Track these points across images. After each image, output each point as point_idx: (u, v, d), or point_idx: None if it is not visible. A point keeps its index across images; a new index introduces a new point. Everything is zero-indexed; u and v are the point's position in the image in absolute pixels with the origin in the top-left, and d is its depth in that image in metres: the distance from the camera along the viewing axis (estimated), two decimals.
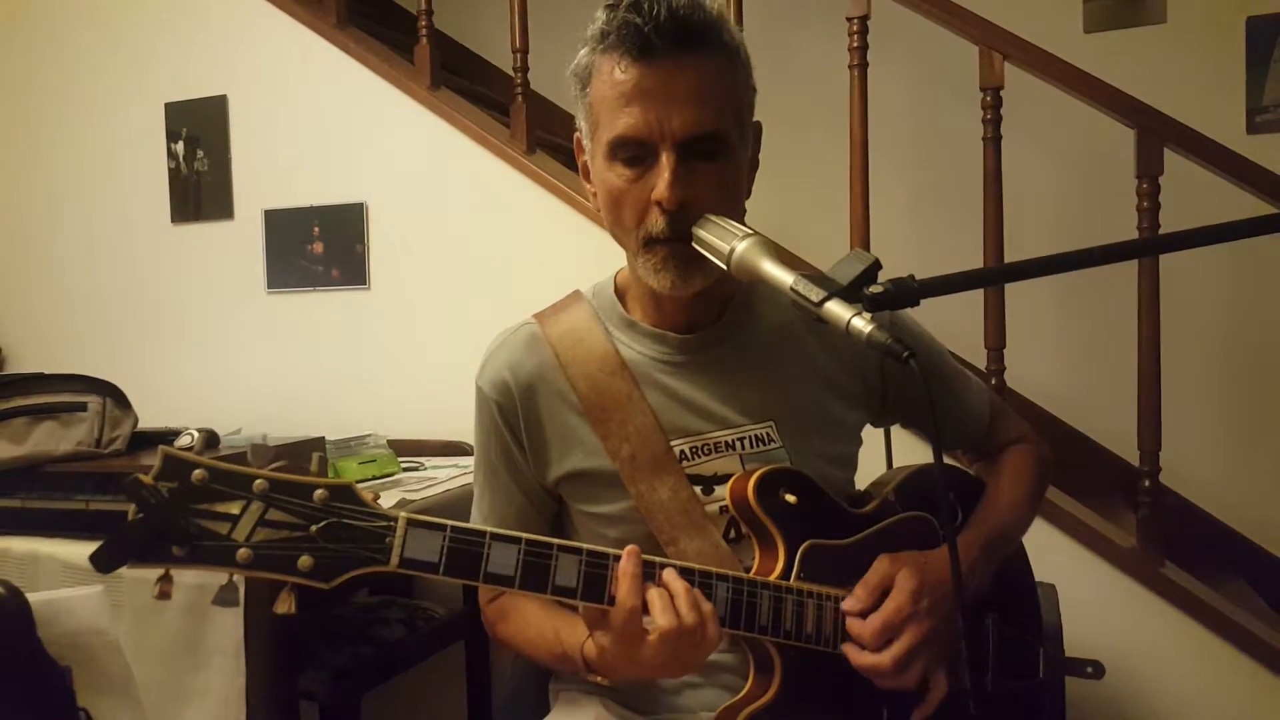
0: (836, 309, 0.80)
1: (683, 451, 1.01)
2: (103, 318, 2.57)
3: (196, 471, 0.72)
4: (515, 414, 1.03)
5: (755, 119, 1.00)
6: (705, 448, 1.02)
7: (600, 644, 0.86)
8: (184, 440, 1.57)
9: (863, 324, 0.77)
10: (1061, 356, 2.45)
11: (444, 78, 2.31)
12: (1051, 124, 2.39)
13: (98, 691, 1.13)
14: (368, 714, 1.84)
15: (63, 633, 1.09)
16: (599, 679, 0.92)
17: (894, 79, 2.48)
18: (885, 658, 0.91)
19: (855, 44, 1.93)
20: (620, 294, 1.07)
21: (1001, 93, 1.88)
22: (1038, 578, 1.56)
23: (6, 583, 1.12)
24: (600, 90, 0.93)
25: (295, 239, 2.36)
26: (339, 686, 1.67)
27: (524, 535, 0.84)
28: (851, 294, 0.80)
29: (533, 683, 1.18)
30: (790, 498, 0.98)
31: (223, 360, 2.44)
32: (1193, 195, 1.87)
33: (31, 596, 1.08)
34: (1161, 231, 1.78)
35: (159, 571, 0.74)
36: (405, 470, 1.93)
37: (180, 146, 2.49)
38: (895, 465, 1.26)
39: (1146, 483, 1.79)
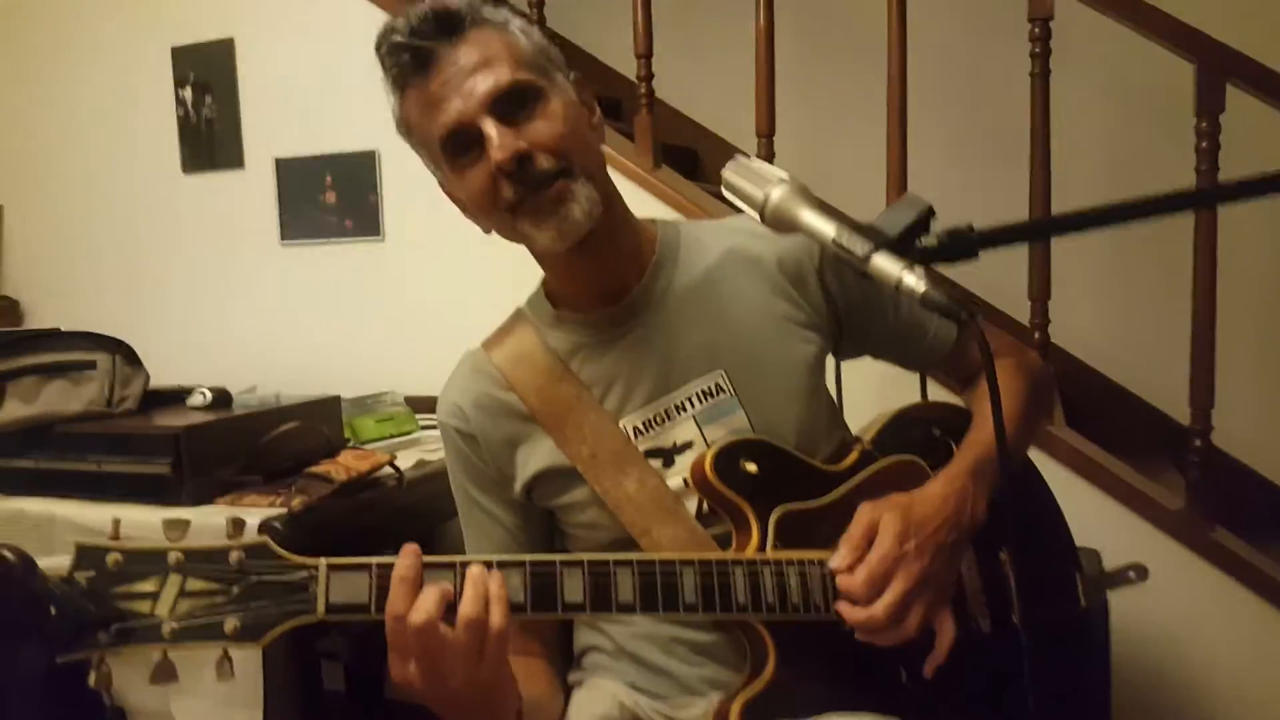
0: (884, 264, 0.72)
1: (636, 428, 0.99)
2: (115, 270, 2.53)
3: (110, 555, 0.74)
4: (474, 436, 1.03)
5: (574, 75, 1.00)
6: (658, 418, 1.00)
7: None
8: (196, 399, 1.53)
9: (915, 281, 0.70)
10: (1108, 307, 2.34)
11: None
12: (1103, 58, 2.25)
13: (116, 656, 1.12)
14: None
15: None
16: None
17: (934, 10, 2.34)
18: (877, 609, 0.85)
19: None
20: (549, 293, 1.07)
21: (1051, 24, 1.76)
22: (1079, 541, 1.50)
23: (17, 550, 1.10)
24: (411, 114, 0.96)
25: (307, 189, 2.29)
26: (362, 648, 1.66)
27: (459, 558, 0.80)
28: (902, 246, 0.72)
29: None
30: (751, 467, 0.95)
31: (237, 314, 2.40)
32: (1257, 136, 1.74)
33: (43, 562, 1.06)
34: (1222, 176, 1.67)
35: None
36: (423, 428, 1.89)
37: (188, 93, 2.41)
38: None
39: (1197, 442, 1.71)
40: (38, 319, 2.62)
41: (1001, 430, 0.68)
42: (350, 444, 1.57)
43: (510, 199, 0.92)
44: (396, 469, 1.47)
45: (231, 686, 1.27)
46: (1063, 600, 1.08)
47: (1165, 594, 1.68)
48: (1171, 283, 1.84)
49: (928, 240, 0.73)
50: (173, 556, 0.74)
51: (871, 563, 0.86)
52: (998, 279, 2.23)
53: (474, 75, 0.91)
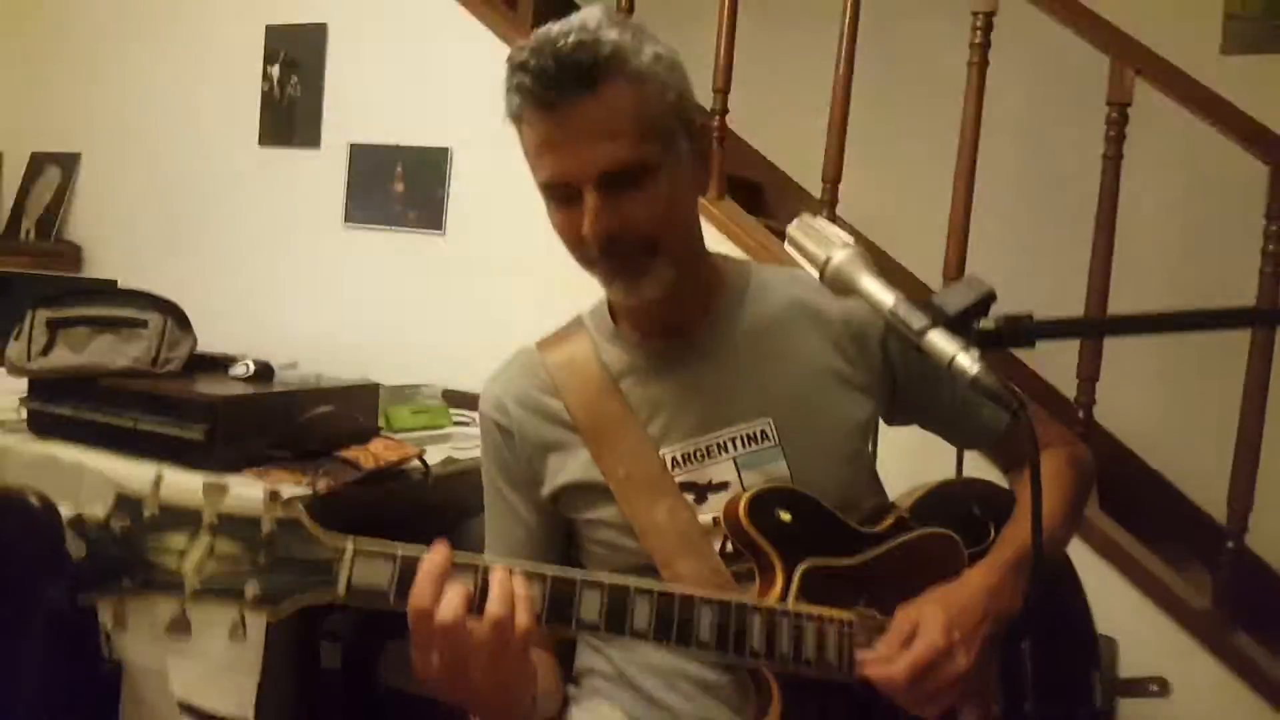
0: (940, 341, 0.72)
1: (674, 459, 0.99)
2: (179, 231, 2.59)
3: (148, 509, 0.75)
4: (511, 432, 1.04)
5: (697, 124, 0.98)
6: (698, 454, 0.99)
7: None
8: (239, 369, 1.56)
9: (968, 363, 0.70)
10: (1155, 393, 2.29)
11: None
12: (1175, 149, 2.21)
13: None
14: (389, 662, 1.84)
15: None
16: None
17: (1014, 79, 2.32)
18: (925, 708, 0.86)
19: (978, 39, 1.82)
20: (612, 307, 1.07)
21: (1129, 109, 1.74)
22: (1100, 628, 1.48)
23: (42, 495, 1.13)
24: (524, 136, 0.94)
25: (378, 175, 2.33)
26: (362, 631, 1.67)
27: (483, 560, 0.80)
28: (958, 326, 0.72)
29: None
30: (785, 516, 0.94)
31: (292, 288, 2.44)
32: None
33: (65, 509, 1.09)
34: None
35: None
36: (456, 424, 1.91)
37: (276, 70, 2.47)
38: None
39: (1230, 544, 1.67)
40: (96, 268, 2.69)
41: (1039, 536, 0.67)
42: (382, 432, 1.59)
43: (592, 257, 0.93)
44: (424, 463, 1.48)
45: (230, 653, 1.30)
46: (1077, 698, 1.06)
47: (1181, 693, 1.64)
48: (1222, 376, 1.80)
49: (985, 323, 0.72)
50: (207, 517, 0.75)
51: (916, 651, 0.86)
52: (1047, 351, 2.20)
53: (594, 142, 0.88)
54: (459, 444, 1.74)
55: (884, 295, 0.77)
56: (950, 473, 1.49)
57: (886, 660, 0.87)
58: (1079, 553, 1.69)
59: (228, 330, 1.98)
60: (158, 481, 0.76)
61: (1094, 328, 0.74)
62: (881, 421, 1.12)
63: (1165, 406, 2.30)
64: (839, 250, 0.81)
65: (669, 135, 0.93)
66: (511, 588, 0.78)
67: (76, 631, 1.14)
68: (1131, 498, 2.21)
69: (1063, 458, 1.08)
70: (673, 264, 0.94)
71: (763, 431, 0.99)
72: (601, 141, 0.88)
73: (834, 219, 1.96)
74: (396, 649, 1.86)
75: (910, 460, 1.25)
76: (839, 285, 0.81)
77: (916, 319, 0.73)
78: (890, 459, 1.39)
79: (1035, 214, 2.40)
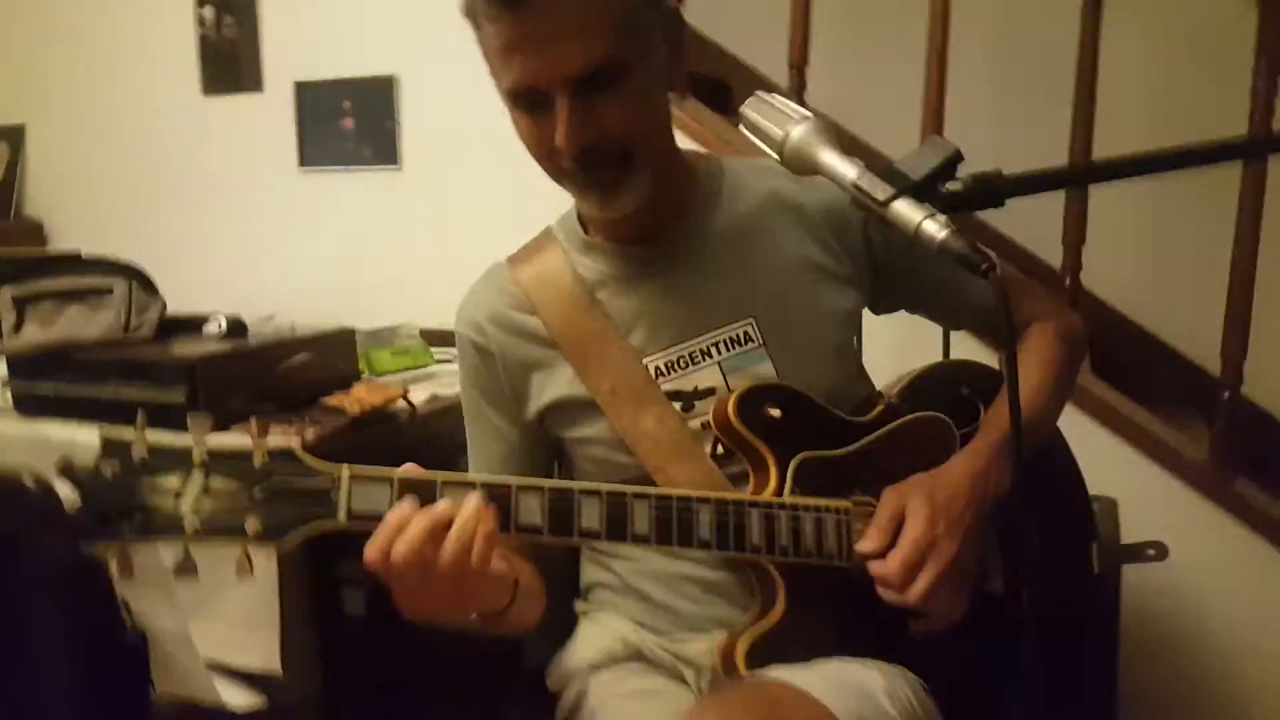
0: (905, 210, 0.69)
1: (658, 368, 0.98)
2: (137, 192, 2.52)
3: (136, 449, 0.74)
4: (491, 352, 1.02)
5: (671, 6, 0.93)
6: (682, 360, 0.98)
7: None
8: (211, 327, 1.53)
9: (935, 228, 0.67)
10: (1144, 254, 2.26)
11: None
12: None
13: (135, 582, 1.14)
14: None
15: None
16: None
17: None
18: (911, 597, 0.86)
19: None
20: (583, 217, 1.03)
21: None
22: (1098, 490, 1.48)
23: (37, 476, 1.11)
24: (485, 38, 0.88)
25: (326, 114, 2.25)
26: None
27: (479, 477, 0.80)
28: (925, 191, 0.69)
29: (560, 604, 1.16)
30: (775, 412, 0.94)
31: (255, 239, 2.39)
32: None
33: (63, 488, 1.07)
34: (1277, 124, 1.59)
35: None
36: (439, 362, 1.89)
37: (209, 12, 2.36)
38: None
39: (1225, 394, 1.66)
40: (60, 239, 2.63)
41: (1018, 410, 0.66)
42: (364, 376, 1.57)
43: (564, 168, 0.89)
44: (410, 402, 1.47)
45: (250, 607, 1.31)
46: (1076, 566, 1.08)
47: (1183, 545, 1.65)
48: (1212, 232, 1.76)
49: (953, 185, 0.69)
50: (198, 454, 0.74)
51: (904, 548, 0.86)
52: (1032, 222, 2.17)
53: (564, 42, 0.83)
54: (444, 380, 1.73)
55: (846, 168, 0.74)
56: (936, 356, 1.47)
57: (878, 556, 0.88)
58: (1074, 419, 1.70)
59: (198, 288, 1.94)
60: (142, 423, 0.74)
61: (1067, 178, 0.71)
62: (873, 312, 1.10)
63: (1154, 265, 2.27)
64: (796, 125, 0.78)
65: (644, 29, 0.88)
66: (472, 518, 0.76)
67: (93, 605, 1.14)
68: (1126, 361, 2.21)
69: (1051, 330, 1.07)
70: (649, 173, 0.91)
71: (746, 333, 0.97)
72: (574, 40, 0.83)
73: (802, 105, 1.90)
74: None
75: (896, 352, 1.24)
76: (799, 163, 0.78)
77: (881, 189, 0.70)
78: (876, 351, 1.38)
79: (1014, 81, 2.32)
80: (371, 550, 0.75)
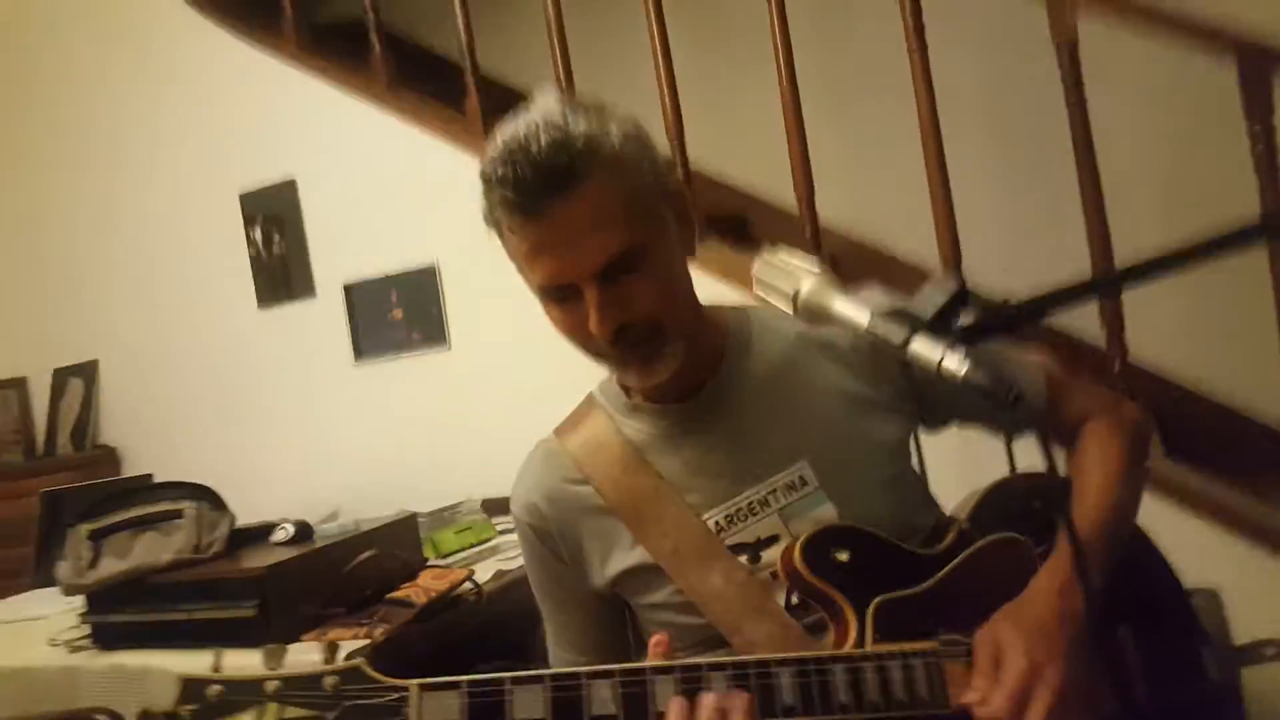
0: (922, 349, 0.70)
1: (718, 523, 0.96)
2: (203, 409, 2.66)
3: (212, 688, 0.76)
4: (549, 532, 1.02)
5: (675, 185, 0.97)
6: (741, 513, 0.97)
7: None
8: (279, 535, 1.57)
9: (955, 364, 0.68)
10: (1194, 321, 2.22)
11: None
12: (1138, 73, 2.18)
13: None
14: None
15: None
16: None
17: (959, 52, 2.31)
18: None
19: (911, 25, 1.81)
20: (623, 382, 1.05)
21: (1077, 48, 1.72)
22: (1194, 583, 1.40)
23: (110, 711, 1.13)
24: (510, 244, 0.93)
25: (376, 308, 2.38)
26: None
27: (548, 672, 0.79)
28: (938, 328, 0.70)
29: None
30: (842, 555, 0.91)
31: (318, 436, 2.48)
32: None
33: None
34: None
35: None
36: (501, 532, 1.90)
37: (258, 233, 2.55)
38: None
39: None
40: (134, 463, 2.76)
41: (1072, 523, 0.64)
42: (428, 563, 1.59)
43: (601, 350, 0.93)
44: (475, 584, 1.47)
45: None
46: (1190, 676, 1.00)
47: None
48: (1251, 281, 1.73)
49: (965, 319, 0.70)
50: (270, 685, 0.75)
51: (1007, 684, 0.82)
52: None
53: (586, 239, 0.87)
54: (507, 554, 1.74)
55: (858, 315, 0.75)
56: (1003, 469, 1.44)
57: (983, 702, 0.83)
58: (1154, 508, 1.62)
59: (264, 496, 2.01)
60: (217, 659, 0.76)
61: (1078, 293, 0.72)
62: (924, 431, 1.09)
63: (1202, 331, 2.22)
64: (805, 280, 0.80)
65: (654, 211, 0.92)
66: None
67: None
68: (1197, 435, 2.12)
69: (1106, 426, 1.04)
70: (681, 341, 0.93)
71: (801, 477, 0.96)
72: (592, 236, 0.87)
73: (817, 233, 1.95)
74: None
75: (958, 467, 1.21)
76: (813, 315, 0.79)
77: (895, 333, 0.72)
78: (940, 470, 1.35)
79: (1017, 174, 2.37)
80: None
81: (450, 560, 1.70)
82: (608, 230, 0.87)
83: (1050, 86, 1.76)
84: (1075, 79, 1.73)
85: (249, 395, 2.59)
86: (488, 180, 0.89)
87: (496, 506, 2.00)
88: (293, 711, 0.75)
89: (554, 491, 1.01)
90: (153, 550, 1.53)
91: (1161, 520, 1.64)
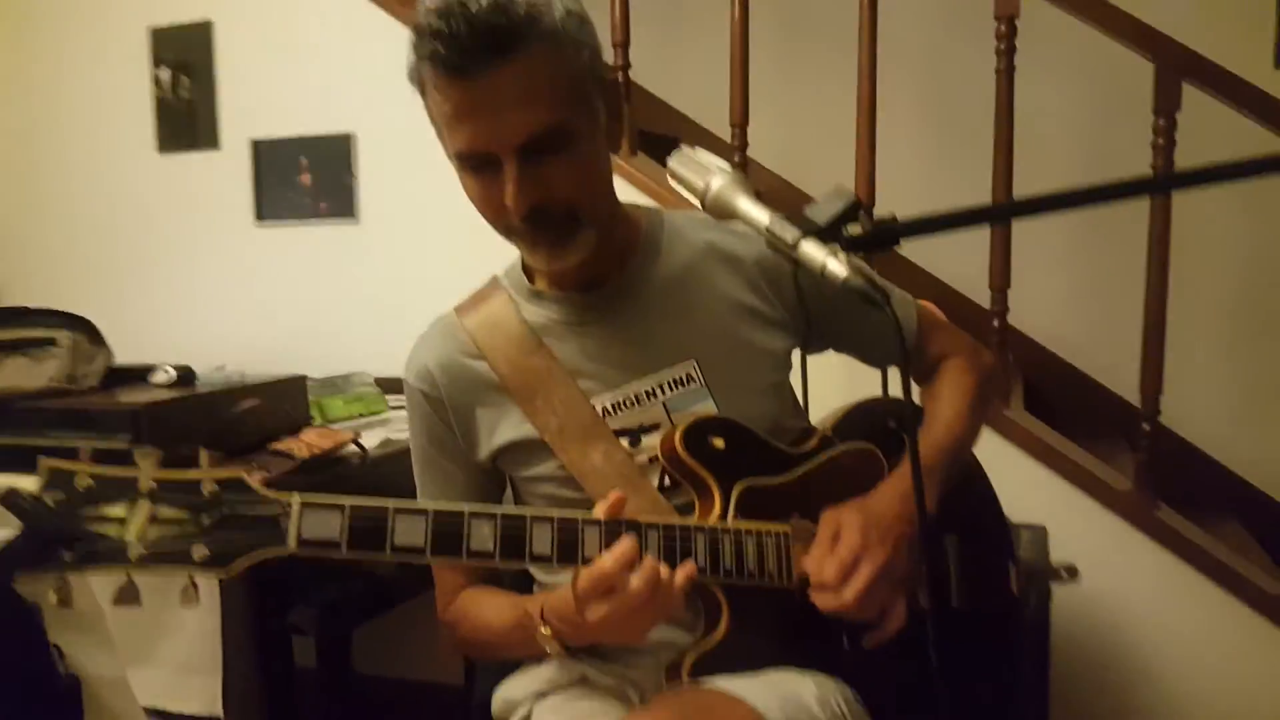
0: (812, 251, 0.75)
1: (605, 408, 1.02)
2: (90, 249, 2.52)
3: (80, 478, 0.74)
4: (441, 400, 1.05)
5: (609, 76, 0.96)
6: (628, 400, 1.02)
7: (564, 600, 0.87)
8: (160, 377, 1.54)
9: (838, 267, 0.73)
10: (1067, 294, 2.38)
11: None
12: (1068, 56, 2.28)
13: (68, 627, 1.14)
14: (360, 647, 1.85)
15: None
16: (547, 632, 0.91)
17: (907, 12, 2.36)
18: (847, 595, 0.91)
19: None
20: (527, 267, 1.08)
21: (1016, 21, 1.79)
22: (1029, 519, 1.55)
23: None
24: (432, 104, 0.92)
25: (283, 170, 2.30)
26: (329, 621, 1.68)
27: (431, 505, 0.83)
28: (829, 234, 0.76)
29: None
30: (718, 442, 0.99)
31: (211, 294, 2.40)
32: (1215, 136, 1.77)
33: (2, 533, 1.07)
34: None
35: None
36: (393, 409, 1.91)
37: (166, 74, 2.41)
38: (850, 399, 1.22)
39: (1146, 425, 1.75)
40: (9, 296, 2.62)
41: (915, 443, 0.74)
42: (315, 423, 1.59)
43: (513, 227, 0.93)
44: (360, 446, 1.49)
45: (189, 654, 1.30)
46: (997, 588, 1.13)
47: (1111, 571, 1.73)
48: (1128, 272, 1.88)
49: (854, 229, 0.76)
50: (144, 483, 0.75)
51: (840, 553, 0.92)
52: (963, 268, 2.27)
53: (513, 110, 0.86)
54: (397, 426, 1.75)
55: (760, 214, 0.80)
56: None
57: (818, 566, 0.93)
58: (1006, 452, 1.78)
59: (151, 342, 1.95)
60: (86, 453, 0.75)
61: (959, 219, 0.77)
62: (807, 352, 1.17)
63: (1079, 306, 2.38)
64: (716, 177, 0.84)
65: (586, 96, 0.93)
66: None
67: (24, 649, 1.13)
68: (1056, 396, 2.31)
69: (964, 364, 1.15)
70: (595, 229, 0.95)
71: (688, 374, 1.02)
72: (520, 109, 0.87)
73: (745, 162, 1.99)
74: (365, 635, 1.88)
75: (842, 388, 1.30)
76: (719, 210, 0.83)
77: (790, 232, 0.76)
78: (822, 385, 1.43)
79: (940, 134, 2.46)
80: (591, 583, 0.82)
81: (339, 426, 1.70)
82: (537, 105, 0.87)
83: (987, 59, 1.83)
84: (1009, 49, 1.80)
85: (140, 240, 2.47)
86: (420, 33, 0.87)
87: (390, 386, 2.00)
88: (166, 511, 0.75)
89: (449, 363, 1.04)
90: (22, 374, 1.48)
91: (1011, 462, 1.81)
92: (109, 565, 0.74)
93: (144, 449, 0.76)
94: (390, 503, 0.82)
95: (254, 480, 0.79)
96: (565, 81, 0.90)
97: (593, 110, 0.94)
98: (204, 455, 0.78)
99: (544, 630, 0.91)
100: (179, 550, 0.75)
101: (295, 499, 0.79)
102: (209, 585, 1.28)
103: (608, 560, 0.82)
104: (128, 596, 0.75)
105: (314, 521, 0.79)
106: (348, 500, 0.80)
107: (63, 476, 0.74)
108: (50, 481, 0.74)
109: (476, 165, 0.91)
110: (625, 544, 0.83)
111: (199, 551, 0.75)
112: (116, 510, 0.74)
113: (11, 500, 0.72)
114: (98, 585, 1.09)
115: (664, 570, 0.84)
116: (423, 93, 0.93)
